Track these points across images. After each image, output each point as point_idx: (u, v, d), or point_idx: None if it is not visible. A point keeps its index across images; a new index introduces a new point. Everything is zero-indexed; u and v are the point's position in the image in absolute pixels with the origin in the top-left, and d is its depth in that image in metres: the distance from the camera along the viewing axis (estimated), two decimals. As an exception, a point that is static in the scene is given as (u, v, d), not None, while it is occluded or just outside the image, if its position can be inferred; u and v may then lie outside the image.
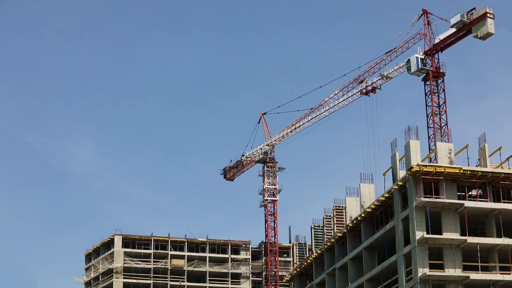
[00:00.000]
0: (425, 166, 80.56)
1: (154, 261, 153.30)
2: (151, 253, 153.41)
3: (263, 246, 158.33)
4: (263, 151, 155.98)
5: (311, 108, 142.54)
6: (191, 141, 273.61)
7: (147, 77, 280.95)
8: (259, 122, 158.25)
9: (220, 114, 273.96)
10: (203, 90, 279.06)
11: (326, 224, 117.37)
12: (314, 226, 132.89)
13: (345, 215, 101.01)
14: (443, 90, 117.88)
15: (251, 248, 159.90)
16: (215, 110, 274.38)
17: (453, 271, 78.63)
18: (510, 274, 79.82)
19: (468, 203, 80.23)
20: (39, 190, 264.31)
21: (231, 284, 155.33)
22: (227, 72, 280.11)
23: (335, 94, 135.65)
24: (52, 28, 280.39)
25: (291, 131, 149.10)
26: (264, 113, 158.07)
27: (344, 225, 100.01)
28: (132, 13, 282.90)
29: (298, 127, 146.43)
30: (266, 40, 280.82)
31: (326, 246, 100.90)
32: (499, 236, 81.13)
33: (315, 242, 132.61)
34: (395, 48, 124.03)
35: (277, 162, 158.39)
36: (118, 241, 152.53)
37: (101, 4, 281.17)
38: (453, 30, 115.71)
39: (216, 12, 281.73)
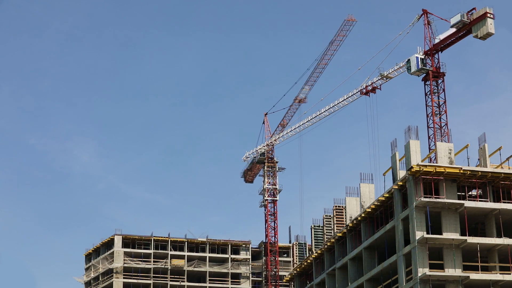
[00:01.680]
0: (425, 166, 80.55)
1: (154, 261, 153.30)
2: (151, 253, 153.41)
3: (263, 246, 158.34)
4: (259, 152, 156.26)
5: (295, 99, 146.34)
6: (193, 142, 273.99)
7: (149, 79, 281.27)
8: (263, 123, 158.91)
9: (221, 115, 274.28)
10: (205, 91, 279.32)
11: (326, 224, 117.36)
12: (314, 226, 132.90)
13: (345, 215, 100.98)
14: (443, 90, 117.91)
15: (251, 248, 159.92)
16: (216, 111, 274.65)
17: (453, 271, 78.63)
18: (510, 274, 79.81)
19: (468, 203, 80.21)
20: (40, 191, 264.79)
21: (231, 284, 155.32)
22: (229, 73, 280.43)
23: (303, 88, 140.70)
24: (54, 29, 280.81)
25: (290, 131, 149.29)
26: (266, 113, 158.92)
27: (344, 225, 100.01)
28: (133, 14, 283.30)
29: (298, 127, 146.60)
30: (267, 40, 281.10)
31: (326, 246, 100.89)
32: (499, 236, 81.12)
33: (315, 242, 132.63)
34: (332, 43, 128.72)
35: (277, 162, 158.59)
36: (118, 241, 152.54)
37: (103, 6, 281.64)
38: (453, 30, 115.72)
39: (218, 13, 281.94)
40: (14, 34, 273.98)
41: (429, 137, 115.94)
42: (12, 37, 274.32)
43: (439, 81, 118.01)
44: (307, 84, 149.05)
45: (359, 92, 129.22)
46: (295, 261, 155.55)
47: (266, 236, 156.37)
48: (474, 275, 78.56)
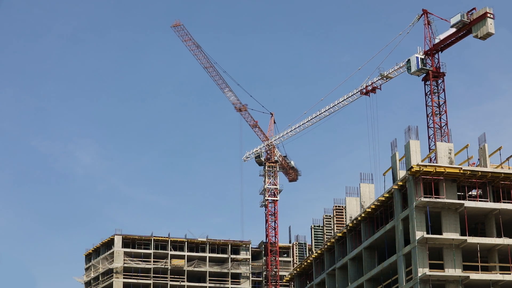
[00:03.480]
0: (425, 166, 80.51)
1: (154, 261, 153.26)
2: (151, 253, 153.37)
3: (263, 246, 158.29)
4: (255, 155, 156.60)
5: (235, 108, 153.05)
6: (193, 143, 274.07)
7: (150, 80, 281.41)
8: (274, 123, 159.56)
9: (222, 116, 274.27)
10: (206, 92, 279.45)
11: (326, 224, 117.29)
12: (314, 226, 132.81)
13: (345, 215, 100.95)
14: (443, 90, 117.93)
15: (251, 248, 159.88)
16: (217, 112, 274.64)
17: (453, 271, 78.60)
18: (510, 274, 79.77)
19: (468, 203, 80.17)
20: (41, 192, 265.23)
21: (231, 284, 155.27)
22: (230, 74, 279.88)
23: (225, 93, 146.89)
24: (56, 31, 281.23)
25: (291, 131, 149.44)
26: (272, 114, 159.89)
27: (344, 225, 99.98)
28: (135, 16, 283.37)
29: (298, 127, 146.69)
30: (268, 41, 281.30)
31: (326, 246, 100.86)
32: (499, 236, 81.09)
33: (315, 242, 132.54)
34: None
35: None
36: (118, 241, 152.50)
37: (105, 8, 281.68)
38: (453, 30, 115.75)
39: (219, 15, 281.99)
40: (17, 36, 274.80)
41: (429, 137, 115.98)
42: (15, 39, 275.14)
43: (439, 81, 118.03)
44: (225, 89, 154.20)
45: (359, 92, 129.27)
46: (295, 261, 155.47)
47: (267, 236, 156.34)
48: (474, 275, 78.52)
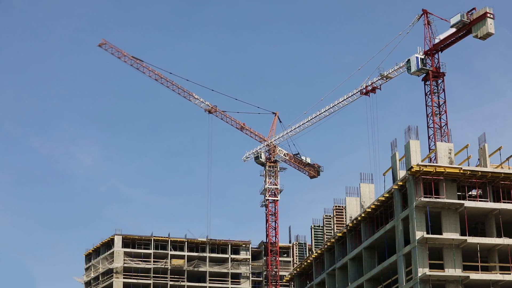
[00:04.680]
0: (425, 166, 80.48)
1: (154, 261, 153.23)
2: (151, 253, 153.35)
3: (263, 246, 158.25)
4: (254, 155, 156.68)
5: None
6: (194, 144, 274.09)
7: (151, 81, 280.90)
8: (280, 121, 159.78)
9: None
10: (205, 93, 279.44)
11: (326, 224, 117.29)
12: (314, 226, 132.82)
13: (345, 215, 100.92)
14: (443, 90, 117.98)
15: (251, 248, 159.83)
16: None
17: (453, 271, 78.59)
18: (510, 274, 79.75)
19: (468, 203, 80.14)
20: (42, 192, 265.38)
21: (231, 284, 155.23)
22: (230, 76, 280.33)
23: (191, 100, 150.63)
24: (57, 32, 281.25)
25: (291, 131, 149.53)
26: (275, 113, 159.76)
27: (344, 225, 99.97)
28: (136, 17, 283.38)
29: (298, 127, 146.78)
30: (270, 42, 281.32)
31: (326, 246, 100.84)
32: (499, 236, 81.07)
33: (315, 242, 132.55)
34: None
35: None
36: (118, 241, 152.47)
37: (106, 9, 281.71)
38: (453, 30, 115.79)
39: (220, 16, 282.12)
40: (18, 36, 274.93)
41: (429, 137, 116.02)
42: (16, 39, 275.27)
43: (439, 81, 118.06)
44: (189, 97, 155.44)
45: (359, 92, 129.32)
46: (295, 261, 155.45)
47: (267, 236, 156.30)
48: (474, 275, 78.50)
